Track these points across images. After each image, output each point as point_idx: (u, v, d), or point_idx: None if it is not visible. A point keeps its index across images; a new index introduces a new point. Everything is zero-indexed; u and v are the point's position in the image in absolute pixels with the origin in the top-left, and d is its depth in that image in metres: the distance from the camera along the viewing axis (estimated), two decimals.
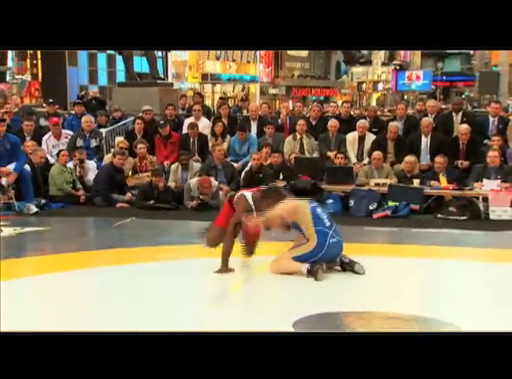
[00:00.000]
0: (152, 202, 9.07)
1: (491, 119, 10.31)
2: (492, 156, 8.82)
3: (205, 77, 32.34)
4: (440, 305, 4.78)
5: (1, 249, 6.30)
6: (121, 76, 15.24)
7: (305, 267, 5.29)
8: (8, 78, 23.53)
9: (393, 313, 4.57)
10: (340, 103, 15.60)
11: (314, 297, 4.94)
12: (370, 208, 8.71)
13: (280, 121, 11.61)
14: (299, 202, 5.54)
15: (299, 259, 5.38)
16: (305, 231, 5.42)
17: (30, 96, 23.57)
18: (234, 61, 34.66)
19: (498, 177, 8.67)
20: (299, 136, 10.27)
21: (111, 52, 16.54)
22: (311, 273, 5.23)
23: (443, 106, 16.68)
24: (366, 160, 9.92)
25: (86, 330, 3.55)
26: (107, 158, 10.09)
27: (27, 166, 8.93)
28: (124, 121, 11.55)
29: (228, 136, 10.68)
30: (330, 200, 8.84)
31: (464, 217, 8.35)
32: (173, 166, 9.88)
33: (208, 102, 29.10)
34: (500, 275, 5.80)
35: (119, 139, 10.72)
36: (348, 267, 5.47)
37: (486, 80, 30.29)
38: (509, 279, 5.63)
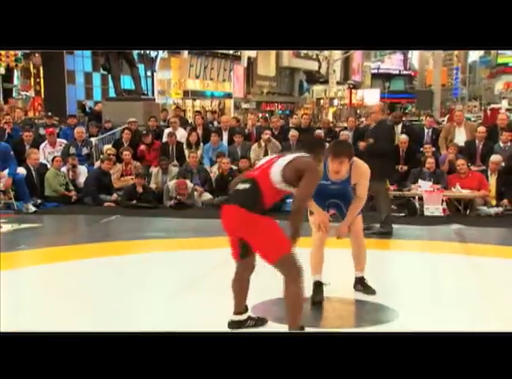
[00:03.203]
0: (135, 202, 8.96)
1: (425, 130, 10.41)
2: (431, 162, 8.92)
3: (186, 94, 32.20)
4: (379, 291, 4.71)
5: (0, 244, 6.13)
6: (113, 93, 15.04)
7: None
8: (14, 94, 23.24)
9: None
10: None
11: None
12: None
13: (247, 131, 11.55)
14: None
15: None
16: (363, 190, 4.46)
17: (34, 110, 23.18)
18: (211, 79, 34.53)
19: (432, 179, 8.74)
20: (263, 144, 10.22)
21: (105, 72, 16.35)
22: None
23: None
24: None
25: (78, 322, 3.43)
26: (98, 164, 9.95)
27: (22, 172, 8.78)
28: (112, 132, 11.41)
29: (202, 144, 10.62)
30: (291, 200, 8.77)
31: (403, 214, 8.38)
32: (154, 170, 9.79)
33: (189, 114, 28.99)
34: (432, 263, 5.83)
35: (107, 146, 10.61)
36: None
37: (422, 98, 30.86)
38: (440, 267, 5.67)
